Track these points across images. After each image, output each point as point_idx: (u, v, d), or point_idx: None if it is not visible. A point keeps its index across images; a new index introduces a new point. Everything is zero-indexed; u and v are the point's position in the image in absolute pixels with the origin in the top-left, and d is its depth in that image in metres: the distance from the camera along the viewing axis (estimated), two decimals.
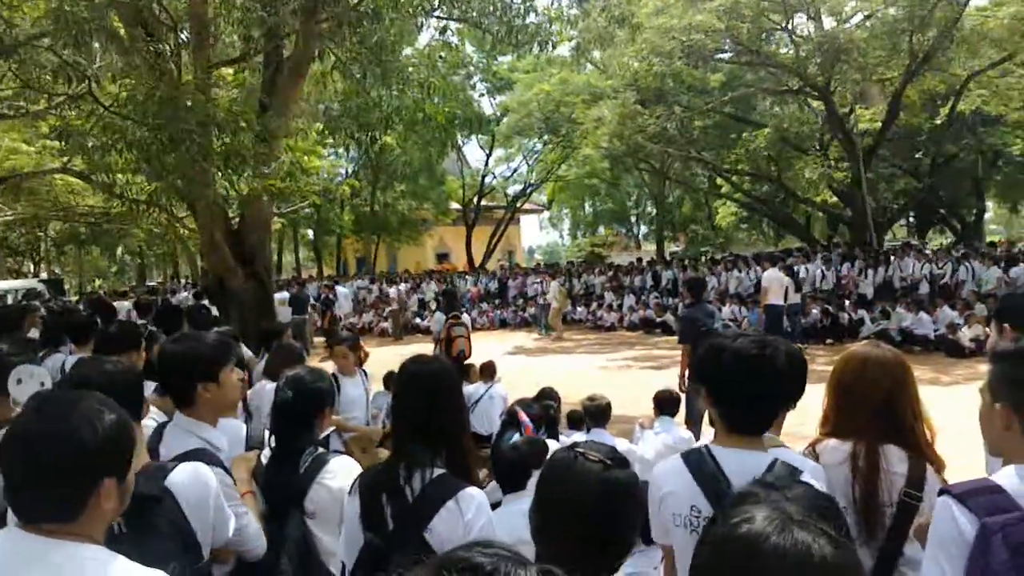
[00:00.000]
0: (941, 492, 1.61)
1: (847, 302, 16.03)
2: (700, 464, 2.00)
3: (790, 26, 20.12)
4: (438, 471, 2.09)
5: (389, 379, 7.46)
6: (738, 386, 2.00)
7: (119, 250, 35.97)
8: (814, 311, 15.40)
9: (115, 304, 12.32)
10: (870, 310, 15.36)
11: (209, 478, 2.18)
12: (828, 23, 20.38)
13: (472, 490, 2.09)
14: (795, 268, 16.09)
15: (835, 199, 22.72)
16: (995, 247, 18.09)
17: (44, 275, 32.26)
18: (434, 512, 2.01)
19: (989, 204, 33.35)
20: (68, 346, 5.71)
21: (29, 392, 2.33)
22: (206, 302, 10.30)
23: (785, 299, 14.52)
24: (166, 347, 2.76)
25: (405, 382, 2.22)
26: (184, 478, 2.11)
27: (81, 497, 1.50)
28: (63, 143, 9.33)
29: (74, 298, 24.79)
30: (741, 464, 1.93)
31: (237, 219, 9.65)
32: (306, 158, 11.95)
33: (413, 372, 2.22)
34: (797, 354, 2.10)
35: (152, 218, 11.31)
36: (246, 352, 6.11)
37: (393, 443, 2.18)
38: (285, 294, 17.52)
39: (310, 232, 35.87)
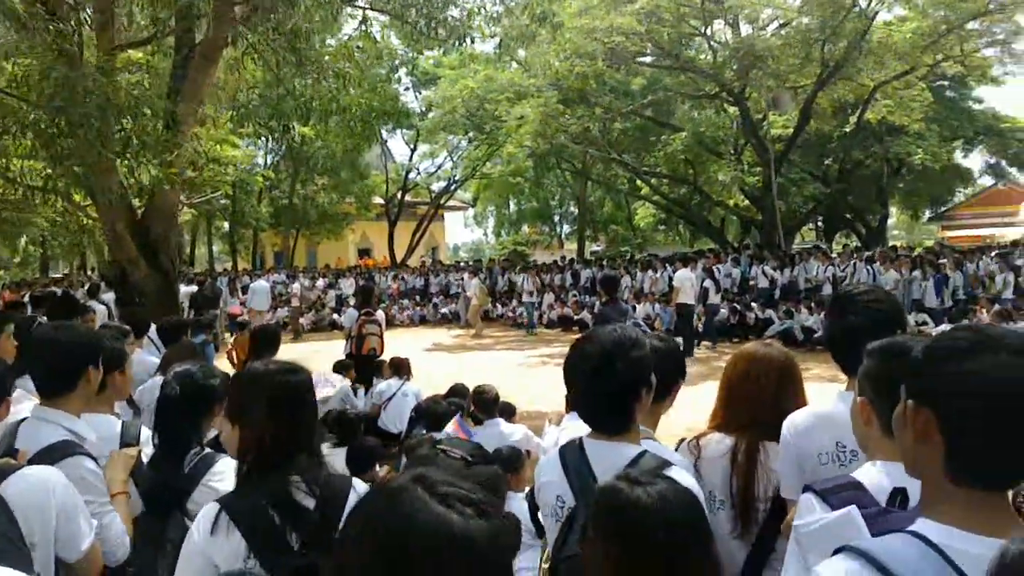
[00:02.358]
0: (805, 488, 1.66)
1: (754, 302, 16.55)
2: (570, 456, 2.06)
3: (709, 32, 20.61)
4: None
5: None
6: (575, 388, 2.10)
7: (21, 240, 34.08)
8: (723, 310, 15.87)
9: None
10: (776, 310, 15.89)
11: (56, 487, 2.03)
12: (745, 30, 20.95)
13: (355, 479, 2.08)
14: (714, 270, 16.49)
15: (747, 202, 23.40)
16: (896, 251, 18.89)
17: None
18: (343, 509, 1.94)
19: (892, 210, 34.90)
20: None
21: None
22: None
23: (705, 300, 15.00)
24: (49, 330, 2.62)
25: (290, 394, 2.01)
26: (21, 486, 1.98)
27: None
28: None
29: None
30: (608, 457, 1.97)
31: (142, 209, 9.28)
32: (219, 147, 11.58)
33: (296, 383, 2.03)
34: (642, 345, 2.05)
35: (51, 206, 10.74)
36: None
37: (258, 457, 1.93)
38: (193, 288, 16.95)
39: (226, 224, 34.77)
